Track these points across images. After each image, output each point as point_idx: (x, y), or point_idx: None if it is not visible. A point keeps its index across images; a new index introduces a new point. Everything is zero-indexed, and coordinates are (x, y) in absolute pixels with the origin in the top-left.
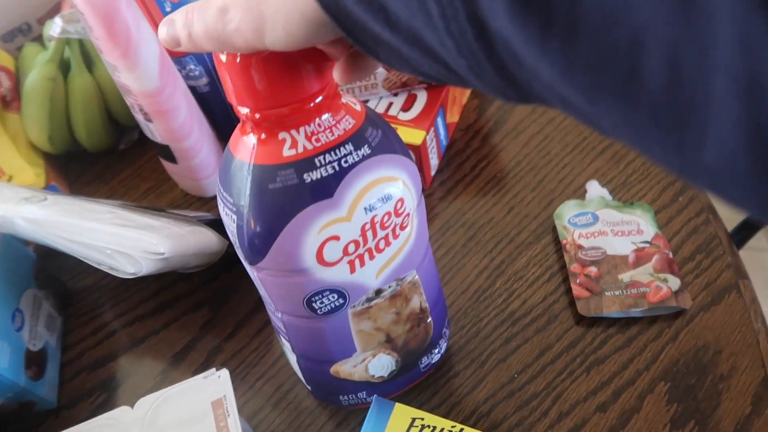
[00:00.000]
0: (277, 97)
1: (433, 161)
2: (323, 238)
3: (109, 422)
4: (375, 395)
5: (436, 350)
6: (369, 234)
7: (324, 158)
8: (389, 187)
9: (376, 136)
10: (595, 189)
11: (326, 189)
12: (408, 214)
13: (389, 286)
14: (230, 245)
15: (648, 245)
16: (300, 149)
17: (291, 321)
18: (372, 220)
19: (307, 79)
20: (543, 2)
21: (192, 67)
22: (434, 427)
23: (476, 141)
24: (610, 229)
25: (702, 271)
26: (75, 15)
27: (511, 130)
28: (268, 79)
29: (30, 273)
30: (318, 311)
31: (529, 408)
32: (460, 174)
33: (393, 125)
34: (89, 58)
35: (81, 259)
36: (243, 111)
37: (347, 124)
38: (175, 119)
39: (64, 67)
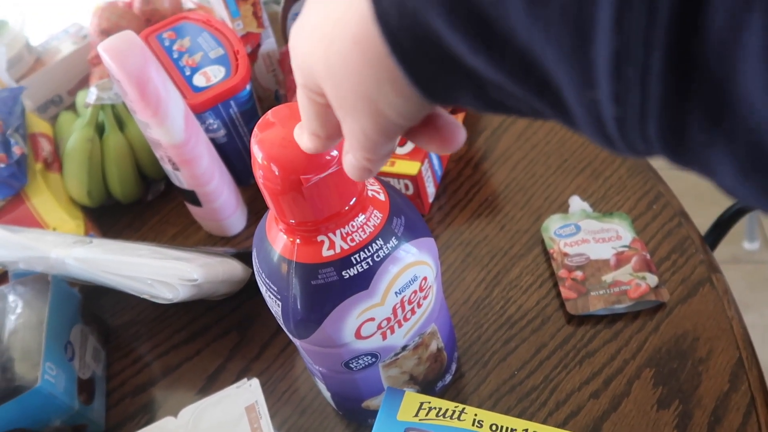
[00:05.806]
0: (323, 211)
1: (430, 189)
2: (361, 321)
3: (157, 431)
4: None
5: (448, 374)
6: (399, 311)
7: (359, 256)
8: (415, 270)
9: (401, 225)
10: (576, 203)
11: (363, 282)
12: (431, 287)
13: (413, 341)
14: (253, 273)
15: (627, 249)
16: (338, 249)
17: (327, 373)
18: (401, 300)
19: (348, 191)
20: None
21: (211, 121)
22: (440, 408)
23: (468, 169)
24: (592, 237)
25: (678, 268)
26: (108, 83)
27: (499, 157)
28: (316, 200)
29: (77, 311)
30: (353, 369)
31: (530, 399)
32: (455, 199)
33: (392, 159)
34: (120, 120)
35: (124, 290)
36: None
37: (376, 219)
38: (199, 166)
39: (99, 129)
